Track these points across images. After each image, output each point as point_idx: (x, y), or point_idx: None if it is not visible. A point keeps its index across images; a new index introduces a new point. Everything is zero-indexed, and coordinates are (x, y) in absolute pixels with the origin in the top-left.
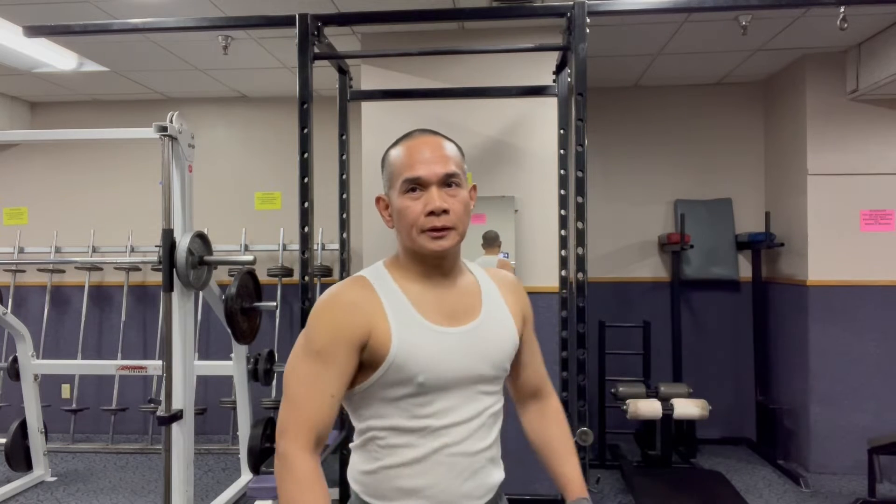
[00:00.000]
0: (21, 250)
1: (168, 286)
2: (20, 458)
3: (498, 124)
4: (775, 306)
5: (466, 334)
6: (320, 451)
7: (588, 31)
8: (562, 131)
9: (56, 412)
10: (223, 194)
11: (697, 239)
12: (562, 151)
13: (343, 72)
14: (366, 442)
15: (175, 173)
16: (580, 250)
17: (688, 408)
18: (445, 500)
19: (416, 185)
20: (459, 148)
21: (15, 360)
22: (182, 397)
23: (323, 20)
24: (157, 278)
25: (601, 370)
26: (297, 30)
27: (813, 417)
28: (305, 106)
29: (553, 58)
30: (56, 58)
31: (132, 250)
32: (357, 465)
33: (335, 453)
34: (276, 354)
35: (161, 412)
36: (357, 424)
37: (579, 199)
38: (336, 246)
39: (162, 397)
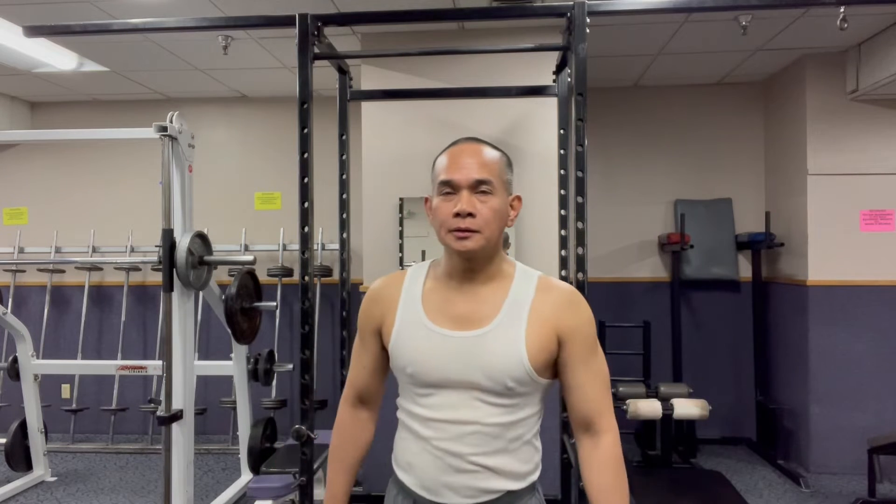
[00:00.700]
0: (21, 250)
1: (168, 286)
2: (20, 458)
3: (498, 124)
4: (775, 306)
5: (464, 340)
6: (368, 406)
7: (588, 31)
8: (562, 131)
9: (56, 412)
10: (223, 194)
11: (697, 239)
12: (562, 151)
13: (343, 72)
14: (398, 412)
15: (175, 173)
16: (580, 250)
17: (688, 408)
18: (428, 485)
19: (449, 189)
20: (506, 158)
21: (15, 360)
22: (182, 397)
23: (323, 20)
24: (157, 278)
25: None
26: (297, 30)
27: (813, 417)
28: (305, 106)
29: (553, 58)
30: (56, 58)
31: (132, 250)
32: (396, 432)
33: None
34: (276, 354)
35: (161, 412)
36: (397, 399)
37: (579, 199)
38: (336, 246)
39: (162, 397)
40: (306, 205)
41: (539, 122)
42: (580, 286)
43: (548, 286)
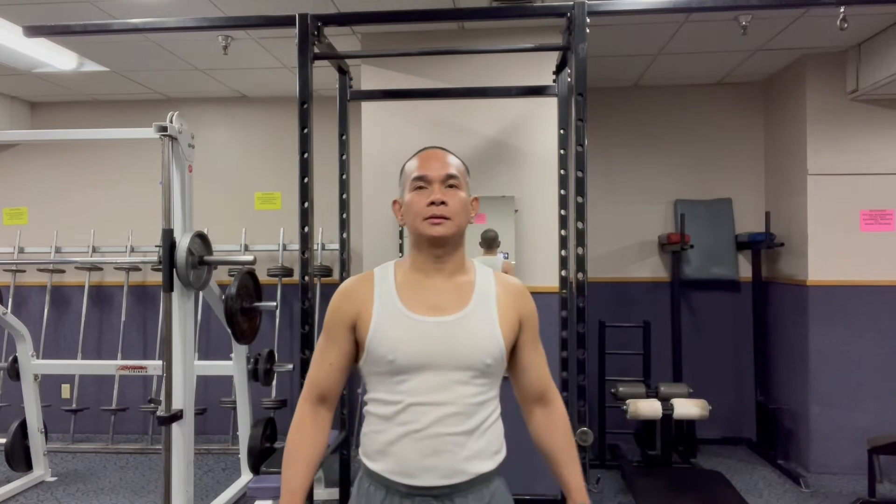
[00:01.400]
0: (21, 250)
1: (168, 286)
2: (20, 458)
3: (498, 124)
4: (775, 306)
5: (443, 324)
6: (326, 405)
7: (588, 31)
8: (562, 131)
9: (56, 412)
10: (223, 194)
11: (697, 239)
12: (562, 151)
13: (343, 72)
14: (366, 410)
15: (175, 173)
16: (580, 250)
17: (688, 408)
18: (406, 469)
19: (422, 183)
20: (465, 164)
21: (15, 360)
22: (182, 397)
23: (323, 20)
24: (157, 278)
25: (601, 370)
26: (297, 30)
27: (813, 417)
28: (305, 106)
29: (553, 58)
30: (56, 58)
31: (132, 250)
32: (362, 429)
33: (335, 453)
34: (276, 354)
35: (161, 412)
36: (364, 398)
37: (579, 199)
38: (336, 246)
39: (162, 397)
40: (306, 205)
41: (539, 122)
42: (580, 286)
43: (503, 280)
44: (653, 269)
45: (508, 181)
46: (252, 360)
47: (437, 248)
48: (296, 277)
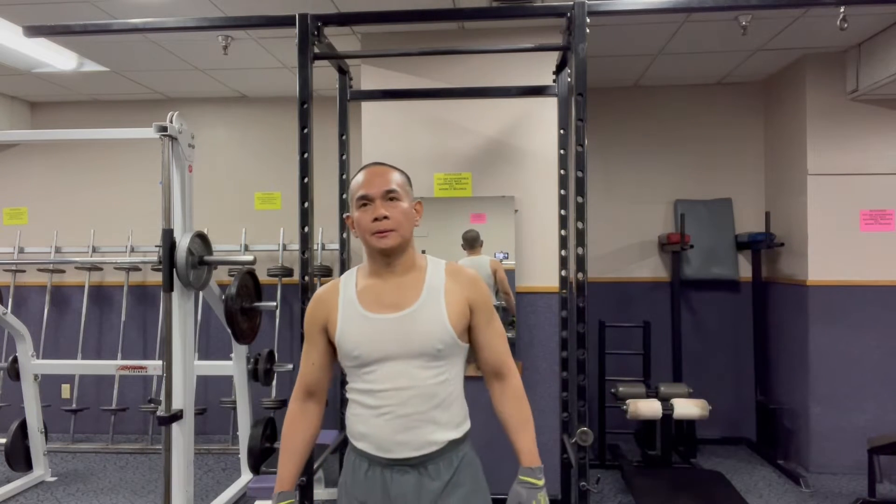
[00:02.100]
0: (21, 250)
1: (168, 286)
2: (20, 458)
3: (498, 124)
4: (775, 306)
5: (397, 319)
6: (314, 399)
7: (588, 31)
8: (562, 131)
9: (56, 412)
10: (223, 194)
11: (697, 239)
12: (562, 151)
13: (343, 72)
14: (348, 396)
15: (175, 173)
16: (580, 250)
17: (688, 408)
18: (383, 445)
19: (365, 201)
20: (405, 175)
21: (15, 360)
22: (182, 397)
23: (323, 20)
24: (157, 278)
25: (601, 370)
26: (297, 30)
27: (813, 417)
28: (305, 106)
29: (553, 58)
30: (56, 58)
31: (132, 250)
32: (346, 411)
33: (335, 453)
34: (276, 354)
35: (161, 412)
36: (346, 387)
37: (579, 199)
38: (336, 246)
39: (162, 397)
40: (306, 205)
41: (539, 122)
42: (580, 286)
43: (455, 270)
44: (653, 269)
45: (508, 181)
46: (252, 360)
47: (386, 256)
48: (296, 277)
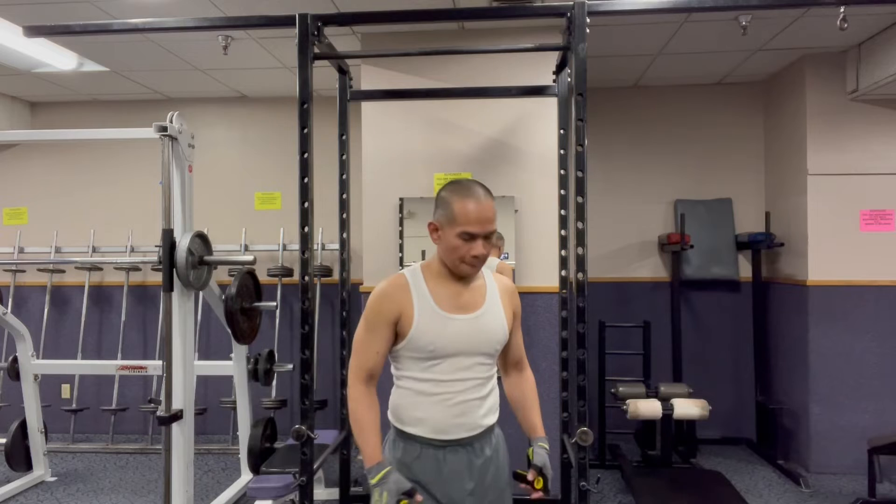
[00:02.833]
0: (21, 250)
1: (168, 286)
2: (20, 458)
3: (498, 124)
4: (775, 306)
5: (469, 320)
6: (373, 382)
7: (588, 31)
8: (562, 131)
9: (56, 412)
10: (223, 194)
11: (697, 239)
12: (562, 151)
13: (343, 72)
14: (398, 384)
15: (175, 173)
16: (580, 250)
17: (688, 408)
18: (440, 427)
19: (469, 237)
20: (493, 198)
21: (15, 360)
22: (182, 397)
23: (323, 20)
24: (157, 278)
25: (601, 370)
26: (297, 30)
27: (813, 417)
28: (305, 106)
29: (553, 58)
30: (56, 58)
31: (132, 250)
32: (393, 400)
33: (335, 453)
34: (276, 354)
35: (161, 412)
36: (395, 373)
37: (579, 199)
38: (336, 246)
39: (162, 397)
40: (306, 205)
41: (539, 122)
42: (580, 286)
43: (500, 281)
44: (653, 269)
45: (508, 181)
46: (252, 360)
47: (468, 276)
48: (296, 277)
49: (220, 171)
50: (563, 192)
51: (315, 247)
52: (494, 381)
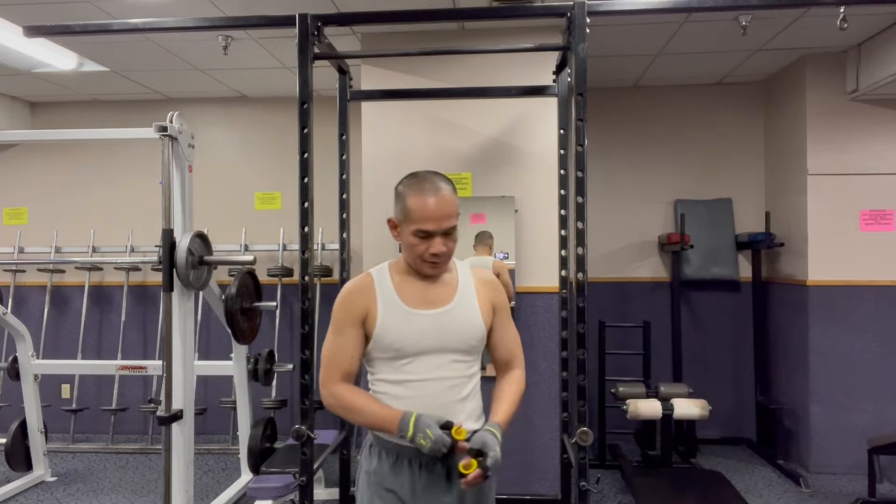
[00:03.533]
0: (21, 250)
1: (168, 286)
2: (20, 458)
3: (498, 124)
4: (775, 306)
5: (437, 315)
6: (350, 382)
7: (588, 31)
8: (562, 131)
9: (56, 412)
10: (223, 194)
11: (697, 239)
12: (562, 151)
13: (343, 72)
14: (373, 389)
15: (175, 173)
16: (580, 250)
17: (688, 408)
18: None
19: (425, 235)
20: (455, 190)
21: (15, 360)
22: (182, 397)
23: (323, 20)
24: (157, 278)
25: (601, 370)
26: (297, 30)
27: (813, 417)
28: (305, 106)
29: (553, 58)
30: (56, 58)
31: (132, 250)
32: None
33: (335, 453)
34: (276, 354)
35: (161, 412)
36: (369, 378)
37: (579, 199)
38: (336, 246)
39: (162, 397)
40: (306, 205)
41: (539, 122)
42: (580, 286)
43: (478, 274)
44: (653, 269)
45: (508, 181)
46: (252, 360)
47: (434, 275)
48: (296, 277)
49: (220, 171)
50: (563, 192)
51: (315, 247)
52: (477, 383)
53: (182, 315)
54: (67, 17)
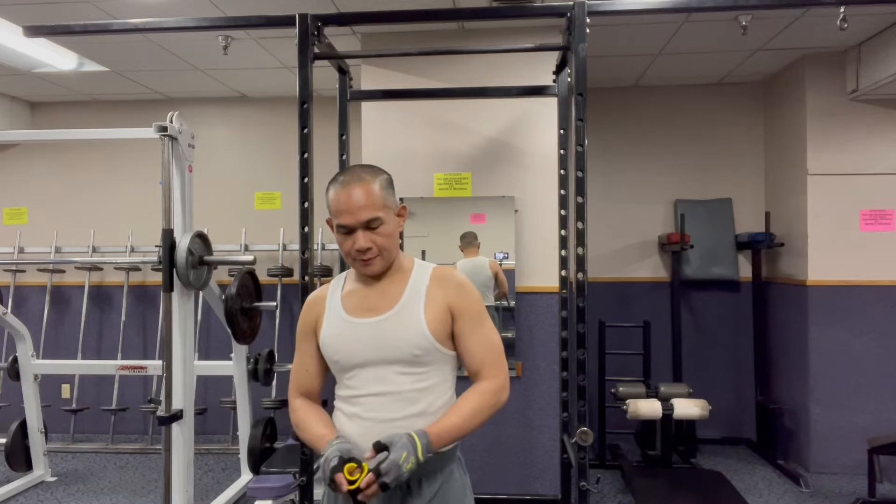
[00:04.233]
0: (21, 250)
1: (168, 286)
2: (20, 458)
3: (498, 124)
4: (775, 306)
5: (376, 324)
6: (312, 398)
7: (588, 31)
8: (562, 131)
9: (56, 412)
10: (223, 194)
11: (697, 239)
12: (562, 151)
13: (343, 72)
14: (334, 404)
15: (175, 173)
16: (580, 250)
17: (688, 408)
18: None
19: (345, 230)
20: (386, 181)
21: (15, 360)
22: (182, 397)
23: (323, 20)
24: (157, 278)
25: (601, 370)
26: (297, 30)
27: (813, 417)
28: (305, 106)
29: (553, 58)
30: (56, 58)
31: (132, 250)
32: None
33: None
34: (276, 354)
35: (161, 412)
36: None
37: (579, 199)
38: (336, 246)
39: (162, 397)
40: (306, 205)
41: (539, 122)
42: (580, 286)
43: (441, 275)
44: (653, 269)
45: (508, 181)
46: (252, 360)
47: (371, 275)
48: (296, 277)
49: (220, 171)
50: (563, 192)
51: (315, 247)
52: (441, 396)
53: (182, 315)
54: (67, 17)
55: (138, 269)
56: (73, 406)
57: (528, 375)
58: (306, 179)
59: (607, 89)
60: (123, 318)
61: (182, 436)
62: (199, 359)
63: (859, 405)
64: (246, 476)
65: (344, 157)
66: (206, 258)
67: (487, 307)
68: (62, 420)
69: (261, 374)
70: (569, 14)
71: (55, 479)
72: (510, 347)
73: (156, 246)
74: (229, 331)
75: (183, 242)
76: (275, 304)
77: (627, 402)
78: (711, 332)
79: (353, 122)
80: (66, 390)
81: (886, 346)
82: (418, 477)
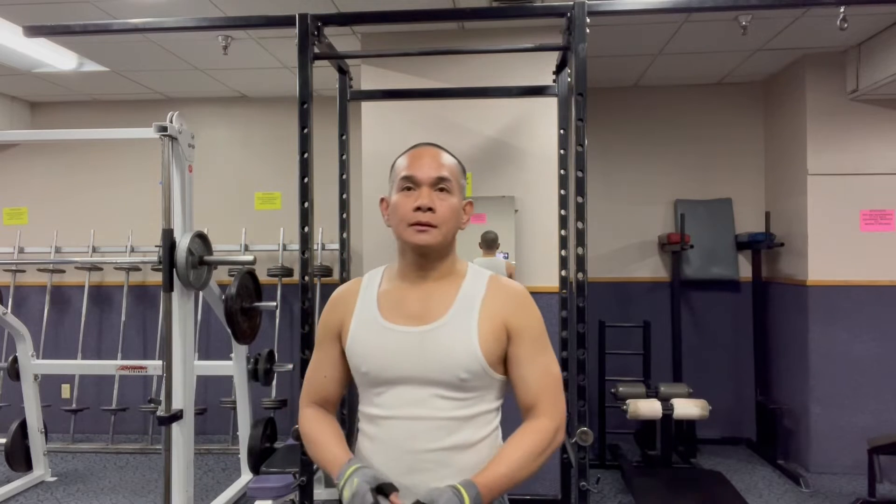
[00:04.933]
0: (21, 250)
1: (168, 286)
2: (20, 458)
3: (498, 124)
4: (775, 306)
5: (417, 334)
6: (328, 407)
7: (588, 31)
8: (562, 131)
9: (56, 412)
10: (223, 194)
11: (697, 239)
12: (562, 151)
13: (343, 72)
14: (358, 426)
15: (175, 173)
16: (580, 250)
17: (688, 408)
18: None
19: (411, 184)
20: (460, 164)
21: (15, 360)
22: (182, 397)
23: (323, 20)
24: (157, 278)
25: (601, 370)
26: (297, 30)
27: (813, 417)
28: (305, 106)
29: (553, 58)
30: (56, 58)
31: (132, 250)
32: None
33: None
34: (276, 354)
35: (161, 412)
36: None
37: (579, 199)
38: (336, 246)
39: (162, 397)
40: (306, 205)
41: (539, 122)
42: (580, 286)
43: (499, 285)
44: (653, 269)
45: (508, 181)
46: (252, 360)
47: (421, 256)
48: (296, 277)
49: (220, 171)
50: (563, 192)
51: (315, 247)
52: (487, 430)
53: (182, 315)
54: (67, 17)
55: (138, 269)
56: (73, 406)
57: None
58: (306, 179)
59: (607, 89)
60: (123, 318)
61: (182, 436)
62: (199, 359)
63: (859, 405)
64: (246, 476)
65: (344, 157)
66: (206, 258)
67: None
68: (62, 420)
69: (261, 374)
70: (569, 14)
71: (55, 479)
72: None
73: (156, 246)
74: (229, 331)
75: (183, 242)
76: (275, 304)
77: (627, 402)
78: (711, 332)
79: (353, 122)
80: (66, 390)
81: (886, 347)
82: None
